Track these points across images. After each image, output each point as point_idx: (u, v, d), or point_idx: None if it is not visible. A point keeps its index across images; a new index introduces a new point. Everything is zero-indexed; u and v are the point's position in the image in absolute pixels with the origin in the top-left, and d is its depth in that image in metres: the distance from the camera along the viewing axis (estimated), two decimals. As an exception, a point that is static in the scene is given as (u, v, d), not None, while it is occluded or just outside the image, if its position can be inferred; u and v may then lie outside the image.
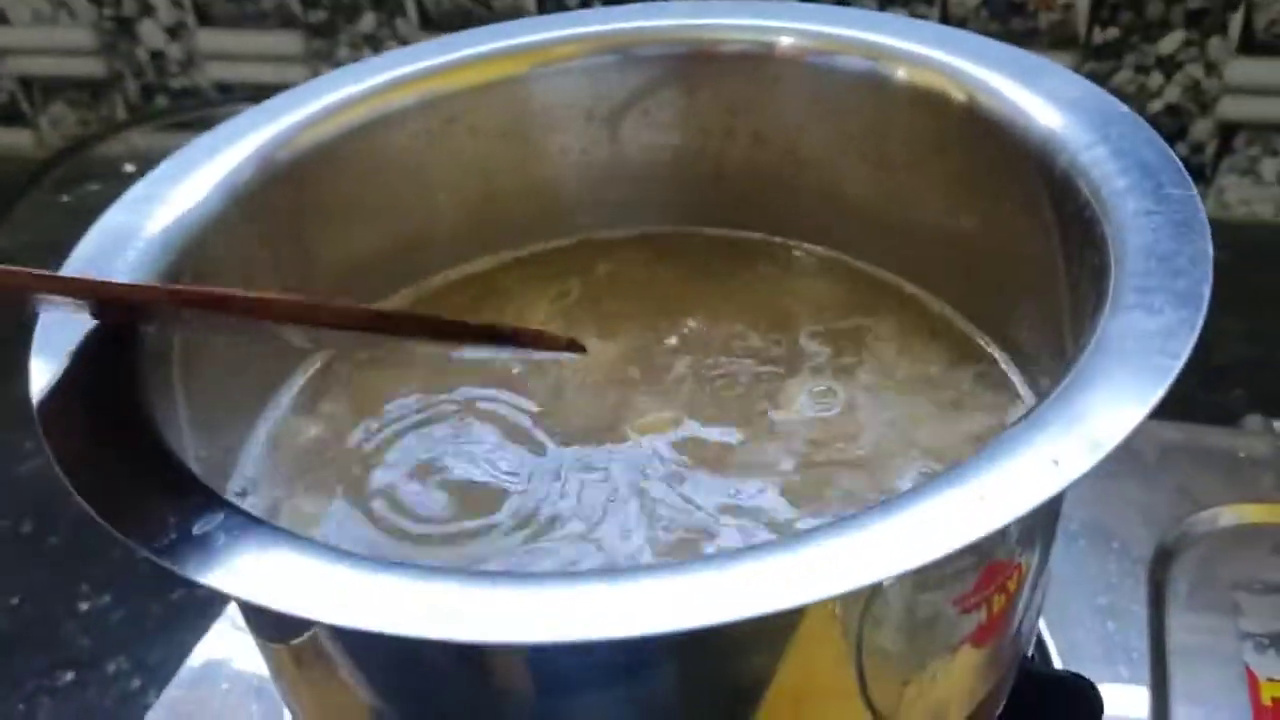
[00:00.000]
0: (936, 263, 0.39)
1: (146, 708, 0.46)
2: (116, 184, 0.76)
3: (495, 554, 0.32)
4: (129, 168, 0.77)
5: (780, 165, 0.42)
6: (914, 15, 0.70)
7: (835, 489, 0.34)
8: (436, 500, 0.34)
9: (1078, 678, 0.38)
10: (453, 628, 0.21)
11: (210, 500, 0.25)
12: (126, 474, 0.25)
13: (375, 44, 0.76)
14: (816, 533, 0.22)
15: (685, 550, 0.32)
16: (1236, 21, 0.69)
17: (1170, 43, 0.71)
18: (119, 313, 0.29)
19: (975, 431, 0.35)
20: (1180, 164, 0.30)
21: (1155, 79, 0.72)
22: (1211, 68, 0.70)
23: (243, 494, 0.36)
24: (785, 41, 0.40)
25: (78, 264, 0.33)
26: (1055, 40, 0.72)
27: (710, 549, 0.32)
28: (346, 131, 0.39)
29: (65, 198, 0.76)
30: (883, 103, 0.38)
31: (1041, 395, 0.27)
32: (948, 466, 0.24)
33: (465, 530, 0.34)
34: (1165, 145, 0.31)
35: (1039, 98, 0.34)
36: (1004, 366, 0.36)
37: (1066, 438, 0.23)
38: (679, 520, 0.33)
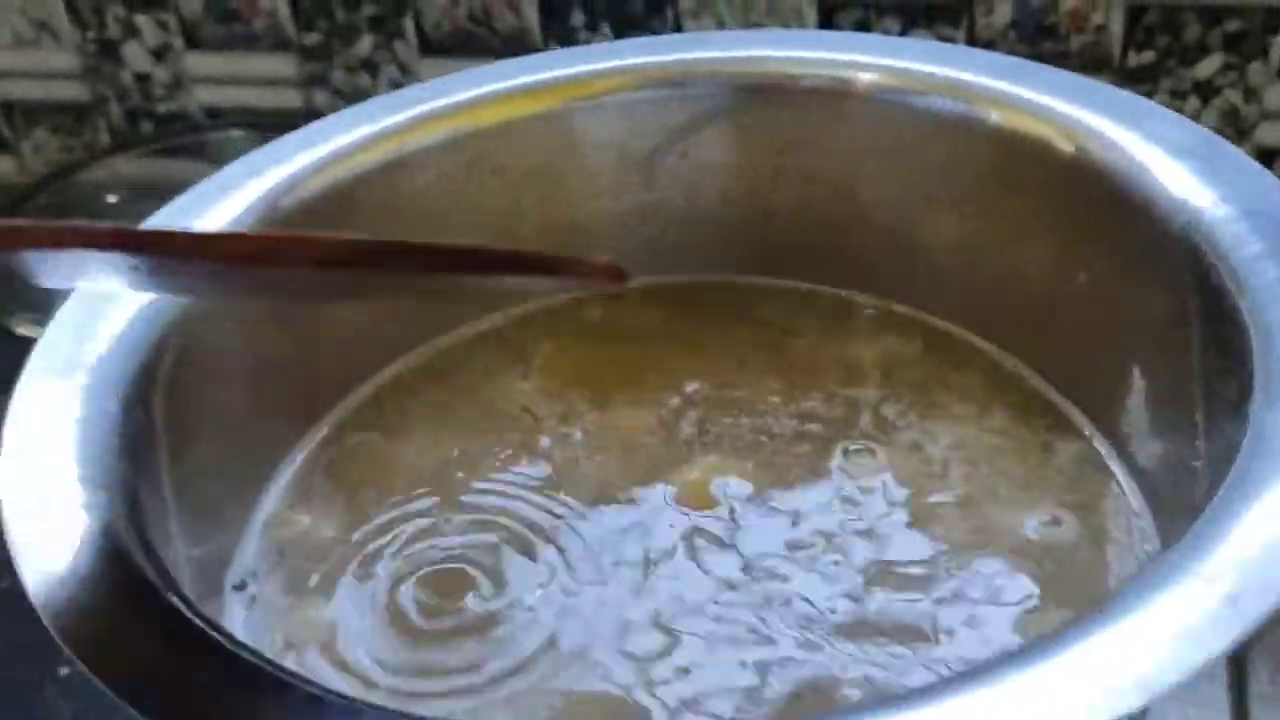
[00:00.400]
0: (1017, 321, 0.36)
1: (127, 782, 0.43)
2: (100, 216, 0.73)
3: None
4: (111, 198, 0.74)
5: (835, 209, 0.39)
6: (940, 38, 0.68)
7: (896, 591, 0.30)
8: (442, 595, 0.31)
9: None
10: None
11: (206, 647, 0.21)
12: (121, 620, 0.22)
13: (372, 68, 0.73)
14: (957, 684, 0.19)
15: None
16: (1278, 46, 0.67)
17: (1208, 67, 0.68)
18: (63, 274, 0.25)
19: (1060, 512, 0.32)
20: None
21: (1192, 104, 0.69)
22: (1251, 93, 0.68)
23: (242, 586, 0.32)
24: (848, 76, 0.36)
25: (62, 327, 0.30)
26: (1087, 63, 0.69)
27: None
28: (360, 175, 0.36)
29: (45, 229, 0.72)
30: (966, 145, 0.34)
31: (1180, 488, 0.23)
32: (1102, 605, 0.20)
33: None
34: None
35: (1149, 145, 0.30)
36: (1098, 445, 0.33)
37: (1237, 569, 0.20)
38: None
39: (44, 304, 0.64)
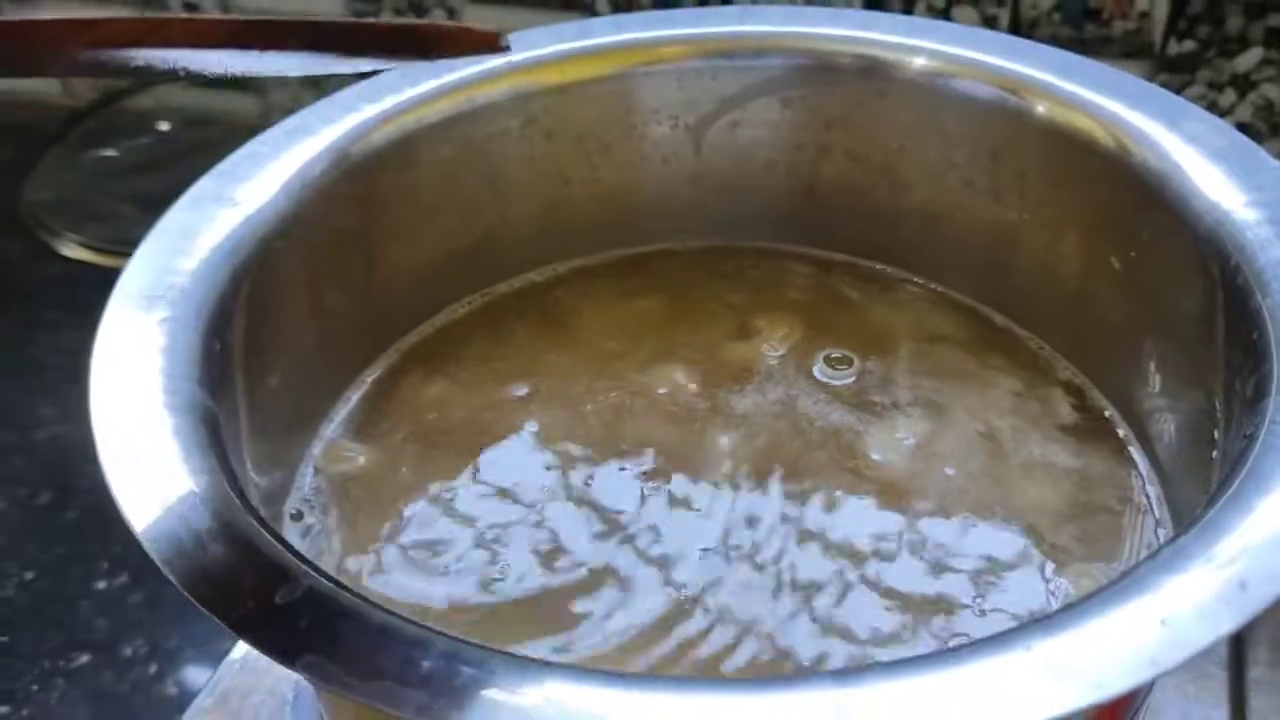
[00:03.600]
0: (1049, 306, 0.37)
1: (164, 695, 0.44)
2: (147, 142, 0.74)
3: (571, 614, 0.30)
4: (163, 126, 0.74)
5: (876, 187, 0.40)
6: (984, 17, 0.68)
7: (923, 553, 0.31)
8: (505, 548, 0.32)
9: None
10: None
11: (290, 567, 0.22)
12: (203, 532, 0.23)
13: (420, 10, 0.74)
14: (983, 648, 0.20)
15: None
16: (1319, 43, 0.67)
17: (1248, 60, 0.68)
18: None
19: (1084, 500, 0.33)
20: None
21: (1228, 96, 0.69)
22: (1288, 89, 0.68)
23: (298, 516, 0.34)
24: (897, 58, 0.37)
25: (141, 268, 0.31)
26: (1129, 49, 0.69)
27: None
28: (424, 128, 0.37)
29: (93, 153, 0.73)
30: (1004, 132, 0.35)
31: (1197, 477, 0.24)
32: (1115, 579, 0.22)
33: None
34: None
35: (1186, 145, 0.31)
36: (1121, 432, 0.34)
37: (1248, 554, 0.21)
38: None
39: (90, 226, 0.65)
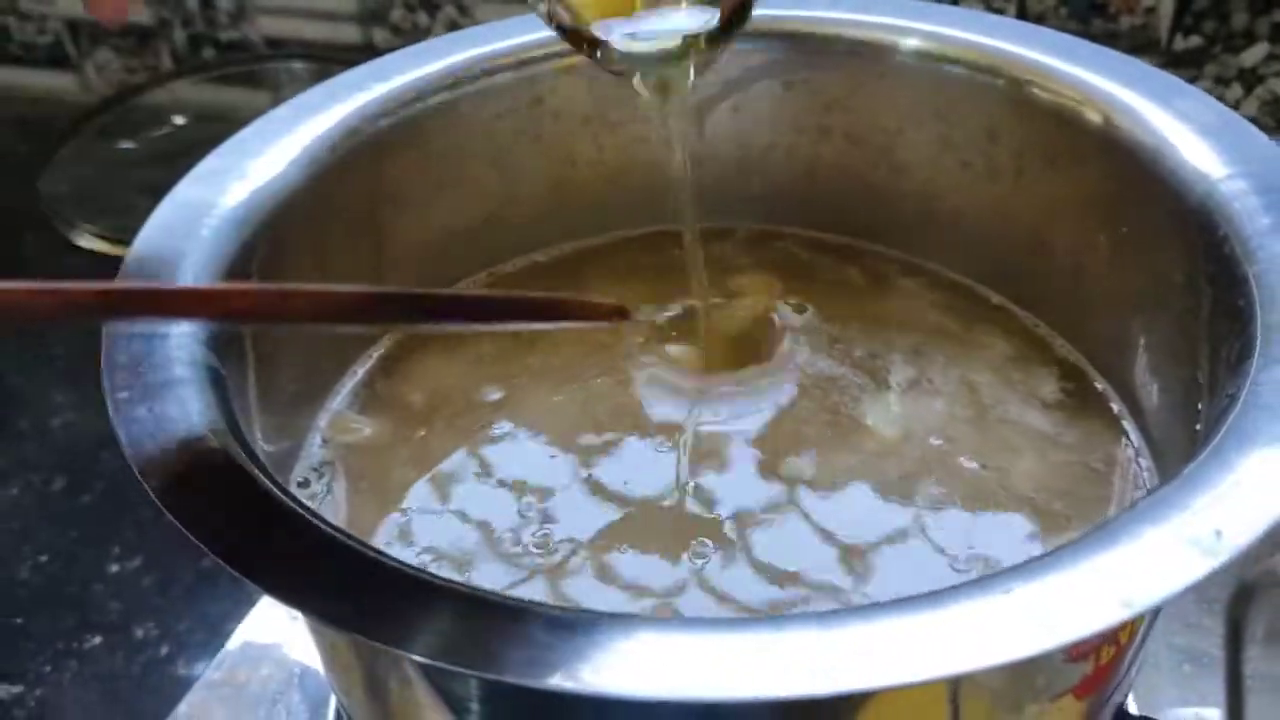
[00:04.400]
0: (1044, 282, 0.37)
1: (175, 677, 0.45)
2: (162, 135, 0.75)
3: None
4: (178, 119, 0.75)
5: (874, 168, 0.40)
6: (990, 9, 0.68)
7: (926, 520, 0.32)
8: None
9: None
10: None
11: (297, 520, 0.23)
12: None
13: (431, 6, 0.74)
14: (964, 591, 0.21)
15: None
16: (1324, 38, 0.67)
17: (1253, 55, 0.69)
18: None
19: (1077, 468, 0.34)
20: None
21: (1234, 91, 0.70)
22: (1293, 83, 0.68)
23: (305, 484, 0.35)
24: (895, 40, 0.38)
25: (150, 238, 0.32)
26: (1135, 44, 0.69)
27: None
28: (432, 107, 0.38)
29: (108, 146, 0.74)
30: (1001, 112, 0.36)
31: (1185, 449, 0.25)
32: (1095, 527, 0.22)
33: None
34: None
35: (1177, 121, 0.32)
36: (1113, 403, 0.35)
37: (1225, 504, 0.22)
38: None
39: (105, 217, 0.66)
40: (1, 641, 0.48)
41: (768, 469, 0.34)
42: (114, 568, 0.52)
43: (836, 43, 0.38)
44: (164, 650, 0.49)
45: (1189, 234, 0.30)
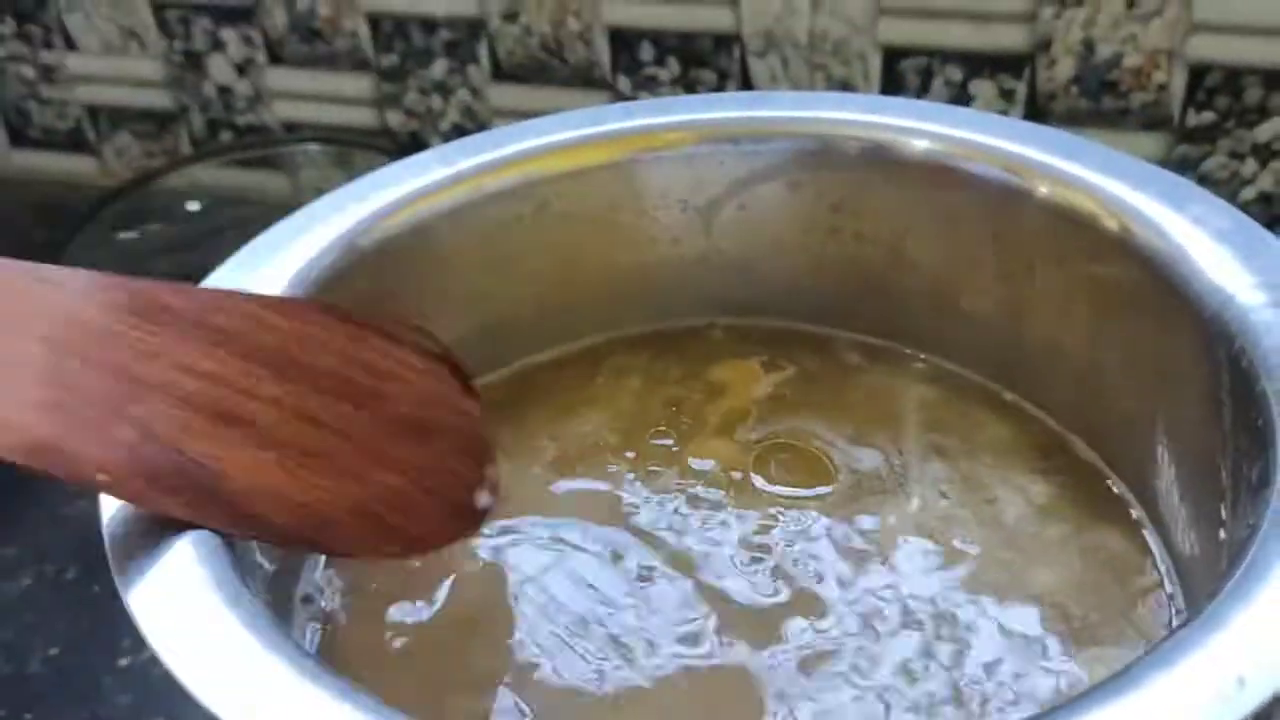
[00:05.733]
0: (1053, 384, 0.37)
1: (183, 774, 0.44)
2: (178, 223, 0.75)
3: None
4: (192, 205, 0.76)
5: (883, 266, 0.40)
6: (1001, 89, 0.69)
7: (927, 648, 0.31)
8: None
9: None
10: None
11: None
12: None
13: (445, 91, 0.75)
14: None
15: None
16: (1340, 112, 0.66)
17: (1268, 130, 0.68)
18: None
19: (1095, 586, 0.33)
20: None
21: (1249, 166, 0.69)
22: (1308, 159, 0.68)
23: (308, 600, 0.34)
24: (903, 142, 0.38)
25: None
26: (1147, 121, 0.69)
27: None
28: (434, 216, 0.38)
29: (125, 234, 0.75)
30: (1012, 215, 0.35)
31: (1208, 560, 0.24)
32: (1112, 676, 0.21)
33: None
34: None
35: (1192, 227, 0.31)
36: (1134, 514, 0.34)
37: (1250, 648, 0.21)
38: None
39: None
40: (11, 738, 0.48)
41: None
42: (124, 660, 0.51)
43: (842, 144, 0.38)
44: (175, 744, 0.48)
45: (1205, 345, 0.30)
